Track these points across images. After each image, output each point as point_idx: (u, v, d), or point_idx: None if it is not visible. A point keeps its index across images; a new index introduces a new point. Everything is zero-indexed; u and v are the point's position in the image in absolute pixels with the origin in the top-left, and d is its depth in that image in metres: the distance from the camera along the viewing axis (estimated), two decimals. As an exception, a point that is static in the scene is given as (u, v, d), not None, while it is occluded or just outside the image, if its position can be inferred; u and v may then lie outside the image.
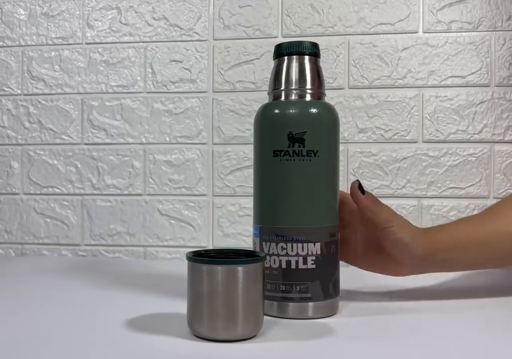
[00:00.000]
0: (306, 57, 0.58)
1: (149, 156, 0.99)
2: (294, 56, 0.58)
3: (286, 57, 0.58)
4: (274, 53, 0.60)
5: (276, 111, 0.58)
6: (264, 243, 0.57)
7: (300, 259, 0.56)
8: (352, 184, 0.60)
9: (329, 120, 0.58)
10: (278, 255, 0.56)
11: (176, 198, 0.98)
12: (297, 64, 0.58)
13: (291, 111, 0.57)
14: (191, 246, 0.97)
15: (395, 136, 0.93)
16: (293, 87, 0.58)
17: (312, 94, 0.58)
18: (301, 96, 0.58)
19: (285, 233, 0.56)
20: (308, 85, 0.58)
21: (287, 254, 0.56)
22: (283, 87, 0.58)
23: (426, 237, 0.61)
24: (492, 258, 0.64)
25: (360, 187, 0.60)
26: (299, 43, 0.58)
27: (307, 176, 0.56)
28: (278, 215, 0.57)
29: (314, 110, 0.57)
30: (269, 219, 0.58)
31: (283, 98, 0.59)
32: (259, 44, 0.96)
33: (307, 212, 0.56)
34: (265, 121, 0.59)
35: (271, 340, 0.49)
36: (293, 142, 0.56)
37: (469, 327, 0.54)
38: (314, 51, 0.59)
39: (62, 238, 1.01)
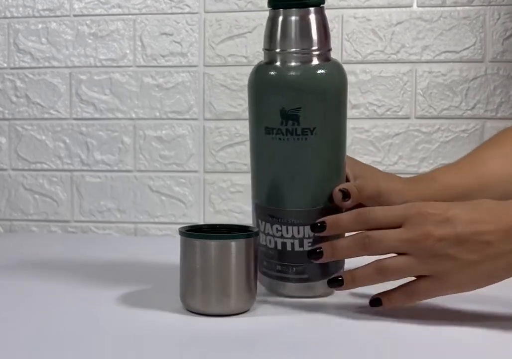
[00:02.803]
0: (310, 9, 0.48)
1: (139, 132, 0.98)
2: (294, 10, 0.48)
3: (282, 11, 0.49)
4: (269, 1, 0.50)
5: (268, 80, 0.51)
6: (260, 221, 0.54)
7: (296, 242, 0.52)
8: (335, 195, 0.52)
9: (330, 89, 0.50)
10: (273, 236, 0.52)
11: (167, 174, 0.97)
12: (297, 20, 0.49)
13: (282, 82, 0.50)
14: (182, 223, 0.96)
15: (388, 112, 0.92)
16: (292, 50, 0.49)
17: (317, 56, 0.50)
18: (306, 61, 0.50)
19: (279, 215, 0.52)
20: (312, 47, 0.49)
21: (282, 236, 0.52)
22: (278, 50, 0.50)
23: (413, 192, 0.57)
24: None
25: (344, 195, 0.52)
26: None
27: (302, 157, 0.50)
28: (272, 196, 0.53)
29: (310, 81, 0.49)
30: (263, 198, 0.53)
31: (280, 62, 0.50)
32: (252, 17, 0.94)
33: (302, 194, 0.51)
34: (257, 91, 0.52)
35: (264, 314, 0.49)
36: (287, 119, 0.49)
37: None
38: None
39: (51, 214, 1.00)
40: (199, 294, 0.48)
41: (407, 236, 0.45)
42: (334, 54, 0.92)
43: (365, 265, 0.48)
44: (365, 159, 0.92)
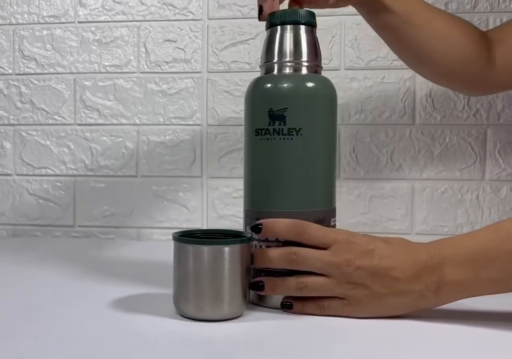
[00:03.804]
0: (302, 27, 0.54)
1: (143, 137, 0.98)
2: (288, 26, 0.54)
3: (279, 27, 0.54)
4: (266, 23, 0.56)
5: (259, 86, 0.55)
6: (248, 227, 0.55)
7: (280, 246, 0.52)
8: None
9: (315, 95, 0.53)
10: (258, 240, 0.53)
11: (170, 179, 0.98)
12: (291, 34, 0.54)
13: (271, 86, 0.53)
14: (185, 228, 0.96)
15: (390, 118, 0.92)
16: (285, 59, 0.54)
17: (307, 68, 0.54)
18: (296, 69, 0.54)
19: (263, 217, 0.52)
20: (302, 58, 0.54)
21: (266, 240, 0.52)
22: (274, 60, 0.54)
23: None
24: None
25: None
26: (294, 11, 0.54)
27: (287, 157, 0.52)
28: (259, 198, 0.54)
29: (296, 85, 0.53)
30: (251, 202, 0.55)
31: (275, 72, 0.54)
32: (254, 24, 0.95)
33: (287, 195, 0.53)
34: (249, 97, 0.56)
35: (257, 319, 0.49)
36: (274, 119, 0.52)
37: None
38: (310, 20, 0.55)
39: (55, 219, 1.00)
40: (192, 299, 0.48)
41: (332, 259, 0.49)
42: (336, 61, 0.93)
43: (287, 277, 0.51)
44: (367, 165, 0.92)
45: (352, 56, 0.93)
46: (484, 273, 0.46)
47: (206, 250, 0.47)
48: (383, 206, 0.92)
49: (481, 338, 0.45)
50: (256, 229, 0.52)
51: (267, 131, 0.53)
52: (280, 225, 0.51)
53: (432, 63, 0.68)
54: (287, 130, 0.52)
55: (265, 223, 0.52)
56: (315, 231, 0.51)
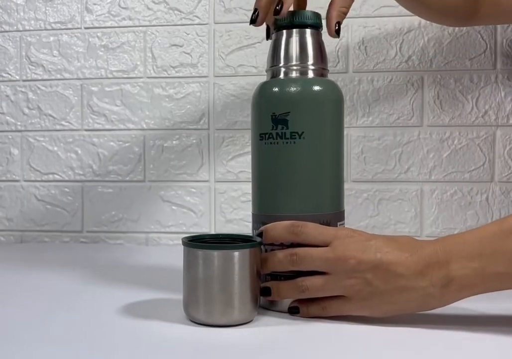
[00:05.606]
0: (308, 31, 0.53)
1: (150, 142, 0.98)
2: (294, 29, 0.53)
3: (285, 31, 0.54)
4: (273, 26, 0.56)
5: (263, 91, 0.55)
6: (254, 231, 0.55)
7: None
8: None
9: (319, 98, 0.53)
10: (264, 244, 0.52)
11: (177, 184, 0.98)
12: (297, 38, 0.53)
13: (274, 90, 0.53)
14: (193, 232, 0.96)
15: (398, 121, 0.91)
16: (291, 63, 0.53)
17: (313, 71, 0.54)
18: (302, 73, 0.53)
19: (269, 222, 0.52)
20: (309, 61, 0.53)
21: (272, 244, 0.52)
22: (280, 64, 0.54)
23: None
24: None
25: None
26: (301, 13, 0.53)
27: (290, 161, 0.52)
28: (264, 203, 0.54)
29: (299, 88, 0.52)
30: (257, 206, 0.55)
31: (281, 76, 0.54)
32: (261, 28, 0.93)
33: (291, 199, 0.52)
34: (254, 102, 0.56)
35: (268, 325, 0.49)
36: (276, 123, 0.52)
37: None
38: (316, 22, 0.54)
39: (63, 225, 1.00)
40: (202, 304, 0.47)
41: (330, 255, 0.48)
42: (343, 63, 0.93)
43: (290, 280, 0.50)
44: (375, 168, 0.92)
45: (360, 58, 0.92)
46: (491, 268, 0.45)
47: (216, 255, 0.47)
48: (392, 209, 0.92)
49: (493, 345, 0.45)
50: (261, 235, 0.52)
51: (271, 136, 0.53)
52: (277, 228, 0.51)
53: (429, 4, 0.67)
54: (289, 134, 0.52)
55: (265, 228, 0.52)
56: (312, 229, 0.50)
